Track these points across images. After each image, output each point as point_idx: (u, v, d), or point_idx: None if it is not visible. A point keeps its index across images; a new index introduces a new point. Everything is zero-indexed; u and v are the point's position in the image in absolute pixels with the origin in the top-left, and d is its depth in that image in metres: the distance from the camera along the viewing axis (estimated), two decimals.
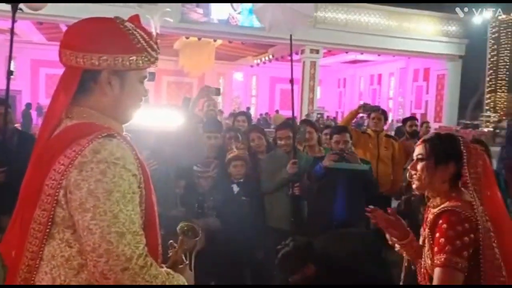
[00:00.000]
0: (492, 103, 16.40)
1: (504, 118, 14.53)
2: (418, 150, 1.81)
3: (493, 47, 16.20)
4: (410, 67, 19.90)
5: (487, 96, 16.48)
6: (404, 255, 1.91)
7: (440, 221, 1.63)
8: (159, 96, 20.08)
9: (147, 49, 1.34)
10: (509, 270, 1.59)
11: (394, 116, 20.14)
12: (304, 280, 2.58)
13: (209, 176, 3.47)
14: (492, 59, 16.26)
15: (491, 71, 16.40)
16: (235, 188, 3.64)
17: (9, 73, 3.16)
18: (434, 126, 15.16)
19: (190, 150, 3.25)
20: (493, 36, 16.09)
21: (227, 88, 23.35)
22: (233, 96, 23.71)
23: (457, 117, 17.26)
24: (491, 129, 13.58)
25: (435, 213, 1.67)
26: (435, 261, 1.61)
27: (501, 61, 16.08)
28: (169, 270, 1.33)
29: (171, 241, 1.47)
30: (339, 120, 16.14)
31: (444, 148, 1.74)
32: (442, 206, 1.67)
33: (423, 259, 1.78)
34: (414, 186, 1.82)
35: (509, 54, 15.75)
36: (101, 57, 1.28)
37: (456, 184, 1.73)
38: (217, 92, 3.64)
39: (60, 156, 1.24)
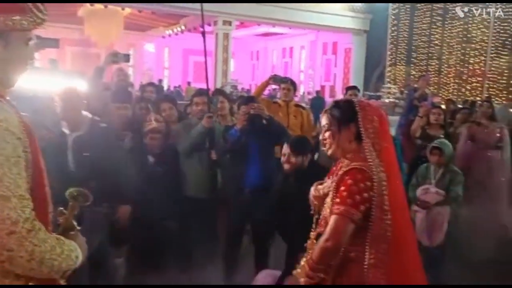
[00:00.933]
0: (392, 76, 17.55)
1: (402, 89, 15.64)
2: (323, 120, 2.02)
3: (393, 23, 17.22)
4: (319, 41, 20.62)
5: (388, 69, 17.60)
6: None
7: (347, 177, 1.82)
8: (64, 67, 18.78)
9: (32, 10, 1.30)
10: (393, 209, 1.80)
11: (305, 89, 20.85)
12: None
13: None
14: (392, 34, 17.29)
15: (392, 45, 17.45)
16: (151, 159, 3.61)
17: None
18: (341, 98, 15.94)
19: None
20: (394, 12, 17.08)
21: (138, 60, 22.48)
22: (144, 68, 22.90)
23: (362, 89, 18.29)
24: (392, 100, 14.57)
25: (344, 170, 1.86)
26: (334, 210, 1.79)
27: (400, 36, 17.16)
28: (59, 236, 1.33)
29: (60, 208, 1.45)
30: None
31: (342, 114, 1.95)
32: (352, 164, 1.86)
33: (323, 210, 1.96)
34: (328, 153, 2.01)
35: (408, 30, 16.85)
36: None
37: (361, 140, 1.91)
38: (126, 58, 3.53)
39: None
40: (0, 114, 1.21)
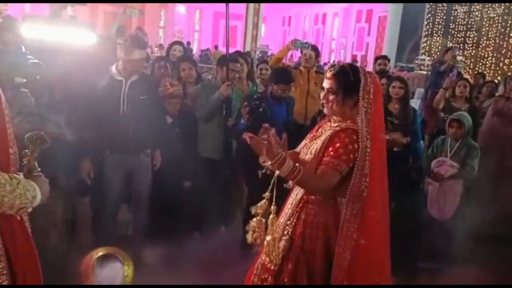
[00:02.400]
0: (427, 47, 16.97)
1: (436, 61, 15.14)
2: (329, 83, 2.09)
3: None
4: (353, 8, 19.97)
5: (424, 40, 17.00)
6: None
7: (343, 135, 1.99)
8: (95, 27, 18.92)
9: None
10: (373, 171, 1.97)
11: (336, 57, 20.42)
12: None
13: None
14: (431, 3, 16.63)
15: (429, 15, 16.81)
16: (169, 119, 3.69)
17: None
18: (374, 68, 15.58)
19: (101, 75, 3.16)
20: None
21: (169, 21, 22.39)
22: (174, 30, 22.85)
23: (394, 60, 17.78)
24: (424, 72, 14.15)
25: (341, 127, 2.02)
26: (325, 161, 1.97)
27: (439, 5, 16.48)
28: (14, 175, 1.43)
29: (25, 150, 1.54)
30: None
31: (349, 81, 2.03)
32: (347, 124, 2.03)
33: (301, 156, 2.12)
34: (325, 111, 2.14)
35: None
36: None
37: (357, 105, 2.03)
38: (139, 13, 3.55)
39: None
40: None
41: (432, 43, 17.04)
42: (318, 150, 2.03)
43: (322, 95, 2.12)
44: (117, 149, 3.24)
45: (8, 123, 1.52)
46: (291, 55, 16.82)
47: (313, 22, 23.09)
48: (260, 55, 15.10)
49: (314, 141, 2.12)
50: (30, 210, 1.51)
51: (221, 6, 22.09)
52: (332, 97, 2.06)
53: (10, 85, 2.43)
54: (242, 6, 16.62)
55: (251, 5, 15.82)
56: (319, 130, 2.16)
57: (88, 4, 13.58)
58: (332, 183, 1.96)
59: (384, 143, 2.11)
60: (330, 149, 1.98)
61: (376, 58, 6.51)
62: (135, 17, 3.57)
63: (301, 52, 4.90)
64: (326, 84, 2.10)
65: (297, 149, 2.22)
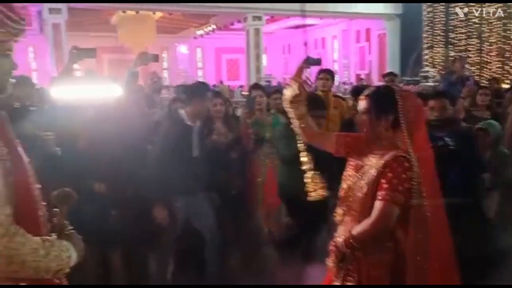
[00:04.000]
0: (430, 59, 16.97)
1: (442, 72, 15.10)
2: (363, 104, 2.04)
3: (428, 3, 16.63)
4: (351, 29, 20.19)
5: (425, 52, 17.02)
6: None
7: (395, 164, 1.91)
8: (101, 75, 19.29)
9: (6, 22, 1.35)
10: (428, 195, 1.89)
11: (341, 78, 20.50)
12: None
13: None
14: (428, 16, 16.71)
15: (428, 27, 16.87)
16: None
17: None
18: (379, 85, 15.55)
19: (131, 126, 3.19)
20: None
21: (172, 62, 22.79)
22: (179, 70, 23.21)
23: (399, 75, 17.78)
24: (431, 84, 14.11)
25: (391, 157, 1.93)
26: (383, 196, 1.88)
27: (436, 16, 16.57)
28: (46, 237, 1.39)
29: (54, 209, 1.51)
30: None
31: (383, 101, 1.98)
32: (396, 152, 1.94)
33: (353, 183, 2.04)
34: (362, 135, 2.08)
35: (444, 9, 16.22)
36: None
37: (398, 128, 1.96)
38: (155, 58, 3.54)
39: None
40: None
41: (434, 54, 17.04)
42: (370, 184, 1.94)
43: (357, 119, 2.11)
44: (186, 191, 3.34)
45: (33, 185, 1.48)
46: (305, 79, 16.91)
47: (313, 47, 23.34)
48: (267, 83, 15.20)
49: (361, 172, 2.02)
50: (67, 271, 1.45)
51: (222, 42, 22.50)
52: (366, 117, 2.01)
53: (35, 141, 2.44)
54: (242, 40, 16.87)
55: (251, 37, 16.02)
56: (362, 160, 2.06)
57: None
58: (393, 219, 1.88)
59: (431, 162, 2.02)
60: (383, 181, 1.90)
61: (384, 75, 6.52)
62: (150, 62, 3.56)
63: (316, 77, 4.87)
64: (360, 106, 2.06)
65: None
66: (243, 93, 14.42)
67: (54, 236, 1.45)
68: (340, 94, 7.68)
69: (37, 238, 1.34)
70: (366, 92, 2.06)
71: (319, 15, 17.65)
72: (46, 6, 12.26)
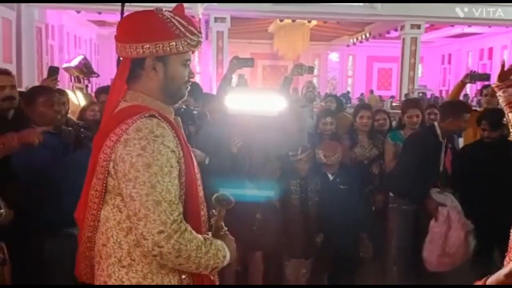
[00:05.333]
0: None
1: None
2: None
3: None
4: None
5: None
6: None
7: None
8: (255, 80, 20.39)
9: (186, 34, 1.47)
10: None
11: None
12: None
13: (303, 160, 3.44)
14: None
15: None
16: (330, 176, 3.59)
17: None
18: None
19: (291, 137, 3.28)
20: None
21: (322, 69, 22.98)
22: (328, 77, 23.30)
23: None
24: None
25: None
26: None
27: None
28: (207, 236, 1.50)
29: (212, 210, 1.59)
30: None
31: None
32: None
33: None
34: None
35: None
36: (143, 46, 1.44)
37: None
38: (311, 70, 3.62)
39: (111, 134, 1.43)
40: (157, 130, 1.40)
41: None
42: None
43: None
44: None
45: (200, 186, 1.60)
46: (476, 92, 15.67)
47: (478, 57, 21.29)
48: (420, 95, 14.35)
49: None
50: (219, 269, 1.54)
51: (374, 50, 21.92)
52: None
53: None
54: (395, 48, 16.21)
55: (407, 46, 15.25)
56: None
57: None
58: None
59: None
60: None
61: None
62: (305, 73, 3.65)
63: (481, 92, 4.41)
64: None
65: None
66: (393, 104, 13.82)
67: (210, 235, 1.56)
68: None
69: (200, 236, 1.45)
70: None
71: (489, 23, 16.00)
72: (213, 15, 13.35)
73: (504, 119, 3.25)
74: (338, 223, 3.29)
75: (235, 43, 17.49)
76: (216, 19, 13.64)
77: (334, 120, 3.97)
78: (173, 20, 1.46)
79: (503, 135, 3.37)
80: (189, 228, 1.41)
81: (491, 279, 1.56)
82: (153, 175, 1.35)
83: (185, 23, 1.48)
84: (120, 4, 3.33)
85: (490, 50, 20.42)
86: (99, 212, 1.48)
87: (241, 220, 2.82)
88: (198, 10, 11.38)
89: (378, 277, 3.80)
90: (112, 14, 13.71)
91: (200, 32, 1.54)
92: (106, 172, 1.44)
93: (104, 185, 1.45)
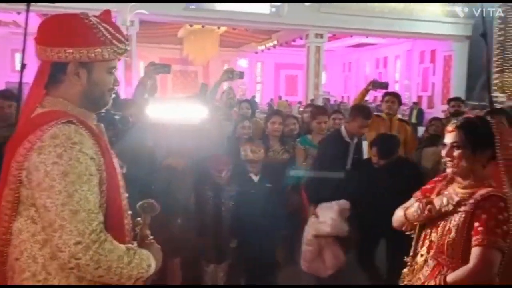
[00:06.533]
0: (499, 84, 16.18)
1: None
2: (453, 137, 1.82)
3: (500, 26, 15.92)
4: (416, 49, 19.69)
5: (495, 76, 16.24)
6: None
7: (488, 204, 1.71)
8: (165, 85, 20.03)
9: (112, 42, 1.43)
10: None
11: (402, 99, 19.92)
12: None
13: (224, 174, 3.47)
14: (499, 39, 15.99)
15: (498, 51, 16.14)
16: (254, 177, 3.65)
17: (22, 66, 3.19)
18: (441, 108, 15.04)
19: (212, 144, 3.28)
20: (500, 15, 15.79)
21: None
22: (238, 83, 23.61)
23: (464, 98, 17.05)
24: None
25: (482, 196, 1.74)
26: (481, 241, 1.68)
27: (508, 40, 15.82)
28: (131, 246, 1.46)
29: (138, 218, 1.57)
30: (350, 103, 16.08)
31: (480, 135, 1.78)
32: (487, 191, 1.75)
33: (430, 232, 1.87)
34: (449, 171, 1.86)
35: None
36: (66, 50, 1.39)
37: (491, 164, 1.80)
38: (241, 75, 3.63)
39: (25, 141, 1.36)
40: (74, 137, 1.35)
41: (505, 79, 16.25)
42: (459, 227, 1.76)
43: (444, 152, 1.86)
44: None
45: (123, 194, 1.56)
46: (374, 98, 16.72)
47: (375, 66, 22.97)
48: (325, 101, 15.13)
49: (443, 217, 1.83)
50: (145, 279, 1.50)
51: (281, 57, 22.69)
52: (458, 152, 1.79)
53: None
54: (301, 56, 16.93)
55: (312, 54, 16.04)
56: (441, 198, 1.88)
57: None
58: (496, 267, 1.67)
59: None
60: (477, 224, 1.70)
61: (449, 100, 6.30)
62: (237, 79, 3.68)
63: (383, 98, 4.79)
64: (448, 138, 1.84)
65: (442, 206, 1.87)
66: (301, 109, 14.43)
67: (135, 244, 1.52)
68: (400, 116, 7.49)
69: (123, 246, 1.40)
70: (456, 122, 1.84)
71: (384, 35, 17.38)
72: (121, 20, 12.95)
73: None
74: (258, 226, 3.34)
75: (144, 47, 17.06)
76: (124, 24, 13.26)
77: (251, 125, 4.07)
78: (100, 26, 1.42)
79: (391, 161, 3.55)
80: (110, 238, 1.36)
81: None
82: (70, 183, 1.30)
83: (112, 30, 1.45)
84: (19, 3, 3.12)
85: (385, 59, 22.17)
86: (11, 225, 1.39)
87: (160, 226, 2.79)
88: (126, 16, 10.97)
89: (295, 279, 3.90)
90: (7, 13, 12.67)
91: (127, 40, 1.51)
92: (19, 181, 1.36)
93: (17, 195, 1.37)
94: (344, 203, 3.61)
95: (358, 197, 3.58)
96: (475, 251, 1.69)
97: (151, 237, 1.58)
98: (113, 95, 1.58)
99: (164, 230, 2.98)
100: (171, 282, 3.47)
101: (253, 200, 3.39)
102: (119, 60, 1.52)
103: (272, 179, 3.61)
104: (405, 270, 1.99)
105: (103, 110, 1.59)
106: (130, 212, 1.60)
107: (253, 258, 3.48)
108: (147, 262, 1.45)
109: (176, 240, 3.20)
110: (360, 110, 3.90)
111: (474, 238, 1.70)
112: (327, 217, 3.58)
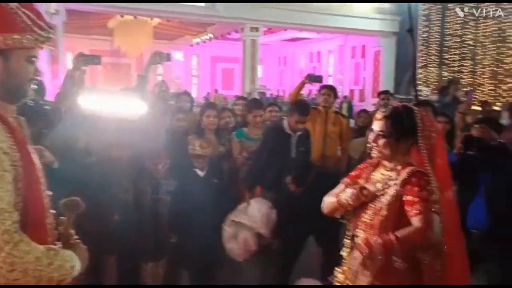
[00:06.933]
0: (424, 78, 17.16)
1: (435, 91, 15.28)
2: (380, 126, 1.94)
3: (424, 23, 16.86)
4: (348, 44, 20.37)
5: (419, 71, 17.19)
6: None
7: (415, 179, 1.83)
8: (95, 78, 19.19)
9: (33, 29, 1.34)
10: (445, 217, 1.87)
11: None
12: None
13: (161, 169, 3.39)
14: (423, 35, 16.93)
15: (423, 47, 17.09)
16: (199, 172, 3.58)
17: None
18: (372, 102, 15.71)
19: (150, 139, 3.20)
20: (424, 12, 16.73)
21: (166, 68, 22.71)
22: (172, 76, 23.17)
23: (393, 92, 17.90)
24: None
25: (408, 173, 1.86)
26: (418, 209, 1.78)
27: (431, 37, 16.79)
28: (51, 246, 1.36)
29: (61, 217, 1.48)
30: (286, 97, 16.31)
31: (404, 125, 1.91)
32: (412, 168, 1.88)
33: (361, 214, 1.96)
34: (374, 155, 1.99)
35: (439, 30, 16.47)
36: None
37: (415, 151, 1.93)
38: (168, 57, 3.61)
39: None
40: None
41: (428, 73, 17.25)
42: (390, 205, 1.87)
43: (371, 137, 1.99)
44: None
45: (44, 192, 1.45)
46: (309, 92, 17.04)
47: (309, 60, 23.49)
48: (261, 94, 15.22)
49: (373, 199, 1.93)
50: (69, 280, 1.40)
51: (218, 50, 22.55)
52: (383, 141, 1.92)
53: None
54: (238, 49, 16.94)
55: (248, 48, 16.09)
56: (370, 179, 2.01)
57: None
58: (437, 226, 1.81)
59: (453, 193, 1.99)
60: (410, 198, 1.81)
61: (379, 93, 6.59)
62: (163, 62, 3.63)
63: (319, 91, 4.88)
64: (376, 126, 1.96)
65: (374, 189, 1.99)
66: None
67: (59, 245, 1.42)
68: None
69: (41, 247, 1.30)
70: (384, 112, 1.96)
71: (317, 29, 17.79)
72: (45, 7, 12.21)
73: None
74: (199, 221, 3.29)
75: (72, 38, 16.22)
76: (49, 12, 12.49)
77: (186, 117, 3.98)
78: (19, 11, 1.32)
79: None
80: (26, 238, 1.26)
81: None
82: None
83: (33, 17, 1.35)
84: None
85: (318, 54, 22.74)
86: None
87: (95, 221, 2.65)
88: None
89: (237, 275, 3.89)
90: None
91: (50, 28, 1.40)
92: None
93: None
94: (273, 211, 3.68)
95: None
96: (416, 220, 1.77)
97: (76, 236, 1.49)
98: (36, 86, 1.46)
99: (100, 227, 2.87)
100: (106, 281, 3.32)
101: (198, 195, 3.33)
102: (41, 48, 1.41)
103: (219, 172, 3.60)
104: (343, 253, 2.07)
105: (29, 101, 1.46)
106: (54, 211, 1.48)
107: (194, 254, 3.42)
108: (71, 263, 1.35)
109: (113, 237, 3.07)
110: (298, 106, 3.97)
111: (410, 209, 1.79)
112: (254, 209, 3.62)
